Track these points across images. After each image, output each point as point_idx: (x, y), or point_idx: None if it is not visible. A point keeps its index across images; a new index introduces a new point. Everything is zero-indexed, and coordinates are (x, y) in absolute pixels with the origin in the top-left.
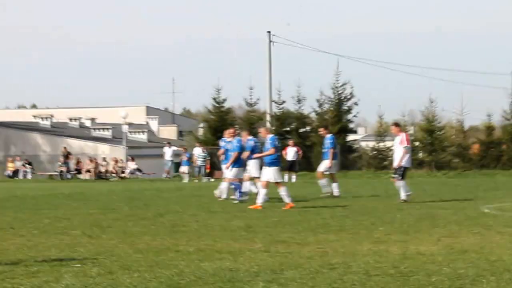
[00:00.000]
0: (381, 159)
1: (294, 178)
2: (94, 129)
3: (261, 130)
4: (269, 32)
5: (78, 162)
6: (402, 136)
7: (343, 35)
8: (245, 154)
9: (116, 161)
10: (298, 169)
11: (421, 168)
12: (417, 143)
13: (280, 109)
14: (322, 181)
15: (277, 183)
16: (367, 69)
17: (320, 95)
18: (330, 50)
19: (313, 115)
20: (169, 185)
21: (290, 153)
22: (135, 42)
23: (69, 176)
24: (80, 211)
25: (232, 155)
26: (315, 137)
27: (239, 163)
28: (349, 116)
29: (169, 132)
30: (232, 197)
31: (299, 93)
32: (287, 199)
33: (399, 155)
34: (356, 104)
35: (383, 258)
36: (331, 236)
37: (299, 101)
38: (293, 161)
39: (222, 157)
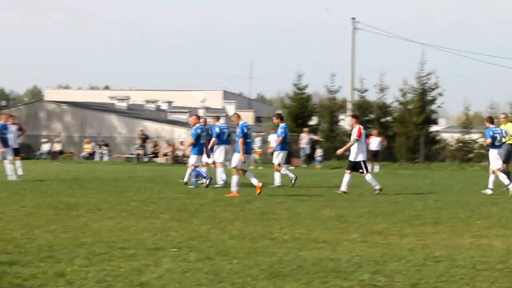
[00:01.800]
0: (466, 152)
1: (377, 168)
2: (171, 112)
3: (233, 117)
4: (353, 18)
5: (155, 145)
6: (355, 129)
7: (429, 24)
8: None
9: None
10: (381, 159)
11: None
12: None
13: (362, 97)
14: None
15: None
16: (453, 58)
17: (404, 84)
18: (415, 39)
19: (395, 105)
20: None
21: (374, 142)
22: (214, 26)
23: (146, 159)
24: (165, 195)
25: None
26: (397, 127)
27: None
28: (433, 107)
29: (245, 117)
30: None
31: (382, 81)
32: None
33: (353, 148)
34: (440, 94)
35: (487, 253)
36: (429, 228)
37: (381, 90)
38: (376, 151)
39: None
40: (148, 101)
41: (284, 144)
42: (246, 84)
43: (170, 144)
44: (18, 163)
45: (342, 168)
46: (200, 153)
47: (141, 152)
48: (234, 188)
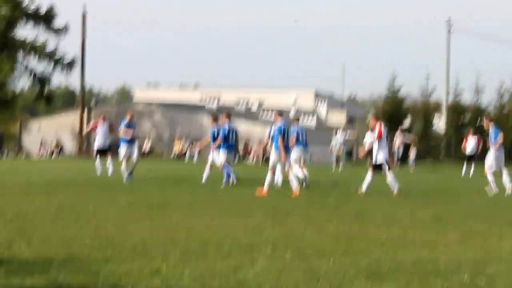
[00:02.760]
0: None
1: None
2: (262, 111)
3: (274, 115)
4: (448, 21)
5: (245, 146)
6: (377, 128)
7: None
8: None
9: None
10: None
11: None
12: None
13: (456, 100)
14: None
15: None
16: None
17: (500, 86)
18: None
19: (491, 108)
20: (341, 172)
21: (470, 145)
22: (307, 25)
23: (235, 160)
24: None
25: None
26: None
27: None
28: None
29: (337, 118)
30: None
31: (478, 84)
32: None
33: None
34: None
35: None
36: None
37: (477, 92)
38: (473, 155)
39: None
40: (238, 101)
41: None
42: (338, 84)
43: (261, 144)
44: (109, 161)
45: (435, 168)
46: (229, 151)
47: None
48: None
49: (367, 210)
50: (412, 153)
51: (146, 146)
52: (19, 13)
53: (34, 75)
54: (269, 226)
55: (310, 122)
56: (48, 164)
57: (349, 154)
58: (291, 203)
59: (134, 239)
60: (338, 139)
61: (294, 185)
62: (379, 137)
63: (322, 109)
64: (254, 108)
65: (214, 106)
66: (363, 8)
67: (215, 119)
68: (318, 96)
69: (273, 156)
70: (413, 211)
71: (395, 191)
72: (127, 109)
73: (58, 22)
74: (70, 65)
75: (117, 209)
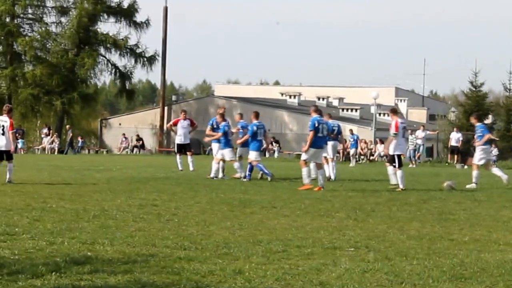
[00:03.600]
0: None
1: None
2: (342, 109)
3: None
4: None
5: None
6: (392, 123)
7: None
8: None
9: (365, 143)
10: None
11: None
12: None
13: None
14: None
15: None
16: None
17: None
18: None
19: None
20: (422, 170)
21: None
22: (387, 22)
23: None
24: (339, 193)
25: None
26: None
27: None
28: None
29: (418, 114)
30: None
31: None
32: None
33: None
34: None
35: None
36: None
37: None
38: None
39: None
40: (319, 97)
41: (487, 142)
42: (419, 81)
43: (341, 142)
44: (190, 158)
45: None
46: (258, 149)
47: None
48: (306, 180)
49: (450, 210)
50: (494, 151)
51: None
52: (101, 8)
53: (116, 70)
54: (350, 226)
55: (390, 117)
56: (129, 160)
57: (429, 151)
58: (374, 203)
59: (216, 239)
60: (417, 136)
61: (319, 181)
62: (397, 131)
63: (402, 105)
64: (335, 104)
65: (295, 102)
66: (444, 3)
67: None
68: (398, 92)
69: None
70: (497, 211)
71: (401, 187)
72: (220, 107)
73: (139, 17)
74: (151, 60)
75: (198, 207)
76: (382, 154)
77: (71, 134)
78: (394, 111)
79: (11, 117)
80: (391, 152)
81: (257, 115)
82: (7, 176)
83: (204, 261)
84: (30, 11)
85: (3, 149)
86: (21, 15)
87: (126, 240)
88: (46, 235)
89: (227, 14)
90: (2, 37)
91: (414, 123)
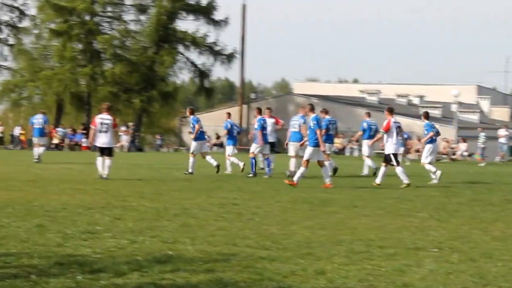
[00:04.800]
0: None
1: None
2: (423, 107)
3: (306, 108)
4: None
5: (406, 141)
6: (385, 121)
7: None
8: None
9: (447, 142)
10: None
11: None
12: None
13: None
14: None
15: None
16: None
17: None
18: None
19: None
20: (507, 169)
21: None
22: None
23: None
24: (421, 193)
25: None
26: None
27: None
28: None
29: (500, 113)
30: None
31: None
32: (327, 179)
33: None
34: None
35: None
36: None
37: None
38: None
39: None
40: (399, 95)
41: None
42: (501, 78)
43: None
44: (271, 157)
45: None
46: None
47: None
48: (295, 179)
49: None
50: None
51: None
52: (180, 6)
53: (195, 68)
54: (433, 227)
55: (472, 116)
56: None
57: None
58: (457, 203)
59: (298, 238)
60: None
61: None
62: (386, 130)
63: (485, 103)
64: (415, 102)
65: (375, 100)
66: None
67: (260, 111)
68: (481, 90)
69: (308, 150)
70: None
71: (405, 182)
72: (287, 103)
73: (218, 15)
74: (230, 58)
75: (279, 207)
76: (464, 153)
77: (131, 132)
78: (390, 110)
79: (112, 115)
80: (386, 152)
81: (326, 111)
82: (105, 172)
83: (286, 261)
84: (109, 9)
85: (105, 146)
86: (101, 13)
87: (207, 239)
88: (127, 233)
89: (306, 12)
90: (82, 35)
91: (496, 122)
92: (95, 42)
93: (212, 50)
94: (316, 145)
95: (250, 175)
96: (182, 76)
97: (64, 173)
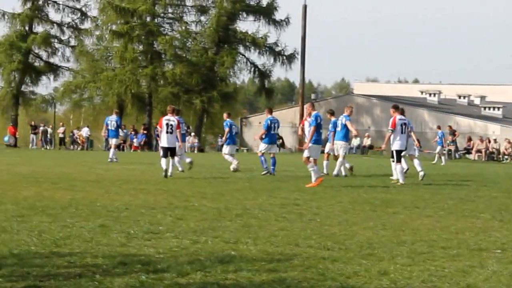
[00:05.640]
0: None
1: None
2: (484, 107)
3: (307, 106)
4: None
5: (468, 141)
6: (391, 119)
7: None
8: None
9: (509, 142)
10: None
11: None
12: None
13: None
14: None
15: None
16: None
17: None
18: None
19: None
20: None
21: None
22: None
23: (457, 155)
24: (483, 194)
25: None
26: None
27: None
28: None
29: None
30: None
31: None
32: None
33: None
34: None
35: None
36: None
37: None
38: None
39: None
40: (460, 96)
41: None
42: None
43: (483, 141)
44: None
45: None
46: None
47: (452, 147)
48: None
49: None
50: None
51: (366, 141)
52: (240, 7)
53: (255, 68)
54: (496, 228)
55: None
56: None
57: None
58: None
59: (360, 239)
60: None
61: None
62: (393, 127)
63: None
64: (477, 102)
65: (435, 100)
66: None
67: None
68: None
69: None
70: None
71: (401, 182)
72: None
73: (278, 15)
74: (291, 58)
75: (340, 207)
76: None
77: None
78: (396, 107)
79: (176, 117)
80: (392, 148)
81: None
82: (170, 170)
83: (348, 261)
84: (170, 10)
85: (170, 146)
86: (161, 15)
87: (269, 240)
88: (189, 233)
89: (366, 11)
90: (143, 37)
91: None
92: (156, 43)
93: (273, 51)
94: (316, 142)
95: (264, 172)
96: (242, 77)
97: (126, 173)
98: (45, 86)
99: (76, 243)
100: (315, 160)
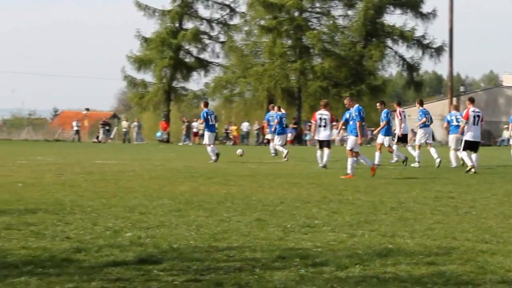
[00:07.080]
0: None
1: None
2: None
3: (346, 100)
4: None
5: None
6: (465, 111)
7: None
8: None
9: None
10: None
11: None
12: None
13: None
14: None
15: (350, 151)
16: None
17: None
18: None
19: None
20: None
21: None
22: None
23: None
24: None
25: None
26: None
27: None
28: None
29: None
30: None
31: None
32: (349, 170)
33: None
34: None
35: None
36: None
37: None
38: None
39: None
40: None
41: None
42: None
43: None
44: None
45: None
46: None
47: None
48: (349, 170)
49: None
50: None
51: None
52: (387, 0)
53: (403, 61)
54: None
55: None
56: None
57: None
58: None
59: None
60: None
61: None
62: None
63: None
64: None
65: None
66: None
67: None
68: None
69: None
70: None
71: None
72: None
73: (425, 8)
74: (439, 51)
75: (495, 200)
76: None
77: (185, 125)
78: (471, 100)
79: (329, 110)
80: (463, 138)
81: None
82: (324, 160)
83: (507, 254)
84: (317, 5)
85: (325, 139)
86: (309, 9)
87: (426, 233)
88: (345, 227)
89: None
90: (291, 31)
91: None
92: (304, 37)
93: (421, 44)
94: (357, 135)
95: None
96: (390, 70)
97: (278, 167)
98: (196, 82)
99: (234, 237)
100: (357, 153)
